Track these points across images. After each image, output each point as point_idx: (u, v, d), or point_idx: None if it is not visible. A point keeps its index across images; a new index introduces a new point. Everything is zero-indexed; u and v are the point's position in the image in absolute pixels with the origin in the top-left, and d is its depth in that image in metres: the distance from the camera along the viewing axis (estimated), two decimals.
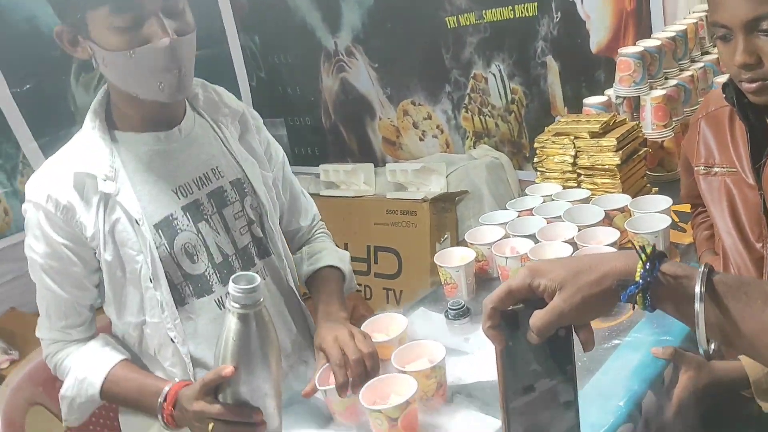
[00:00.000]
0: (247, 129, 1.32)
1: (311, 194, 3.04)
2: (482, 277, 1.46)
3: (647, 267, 0.68)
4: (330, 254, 1.41)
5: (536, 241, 1.38)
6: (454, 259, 1.42)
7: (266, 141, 1.37)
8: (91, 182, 1.12)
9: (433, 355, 1.10)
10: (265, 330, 0.92)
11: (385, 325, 1.24)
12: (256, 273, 1.25)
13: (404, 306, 1.45)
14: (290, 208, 1.43)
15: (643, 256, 0.68)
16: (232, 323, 0.91)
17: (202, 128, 1.25)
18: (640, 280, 0.67)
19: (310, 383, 1.12)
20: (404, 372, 1.06)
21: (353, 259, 2.94)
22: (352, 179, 3.03)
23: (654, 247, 0.70)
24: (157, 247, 1.14)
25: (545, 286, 0.70)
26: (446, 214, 2.72)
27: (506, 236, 1.44)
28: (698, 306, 0.66)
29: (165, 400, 1.06)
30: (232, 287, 0.90)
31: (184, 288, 1.18)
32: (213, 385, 0.95)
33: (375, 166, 3.03)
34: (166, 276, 1.15)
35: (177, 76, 1.08)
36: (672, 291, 0.68)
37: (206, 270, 1.19)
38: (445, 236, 2.72)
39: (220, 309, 1.20)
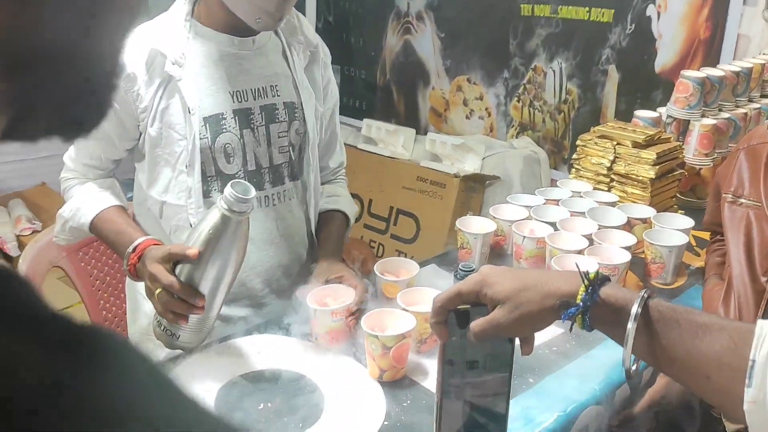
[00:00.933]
0: (315, 61, 1.38)
1: (350, 145, 3.16)
2: (496, 251, 1.53)
3: (589, 291, 0.73)
4: (347, 202, 1.50)
5: (556, 229, 1.44)
6: (474, 226, 1.49)
7: (328, 78, 1.43)
8: (160, 60, 1.21)
9: None
10: (238, 238, 1.01)
11: (396, 268, 1.32)
12: (284, 192, 1.33)
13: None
14: (325, 147, 1.49)
15: (585, 280, 0.74)
16: (214, 217, 1.00)
17: (274, 46, 1.32)
18: (581, 303, 0.73)
19: (313, 285, 1.20)
20: (406, 310, 1.14)
21: (374, 215, 3.06)
22: (391, 139, 3.09)
23: (597, 272, 0.75)
24: (200, 138, 1.23)
25: (491, 297, 0.77)
26: (473, 194, 2.78)
27: (528, 218, 1.50)
28: (630, 325, 0.71)
29: (133, 251, 1.15)
30: (228, 190, 0.98)
31: (212, 182, 1.27)
32: (176, 258, 1.04)
33: (416, 133, 3.09)
34: (202, 167, 1.24)
35: (275, 20, 1.20)
36: (609, 313, 0.73)
37: (238, 173, 1.28)
38: (468, 215, 2.78)
39: None
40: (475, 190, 2.79)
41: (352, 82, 3.46)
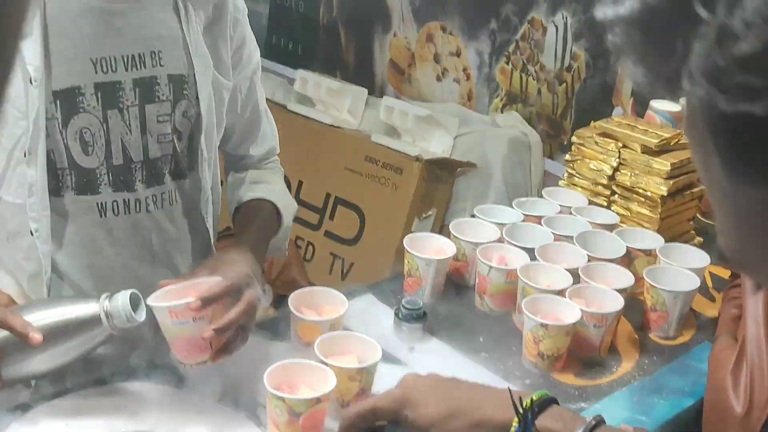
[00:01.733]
0: (221, 19, 1.39)
1: (277, 104, 3.19)
2: (455, 281, 1.61)
3: (522, 424, 0.85)
4: (279, 193, 1.53)
5: (533, 258, 1.52)
6: (428, 248, 1.56)
7: (241, 40, 1.44)
8: None
9: (366, 354, 1.24)
10: (95, 343, 1.14)
11: (318, 302, 1.38)
12: (163, 194, 1.37)
13: (349, 286, 1.59)
14: (244, 129, 1.52)
15: (519, 411, 0.85)
16: (86, 313, 1.11)
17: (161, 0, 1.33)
18: None
19: (173, 282, 1.24)
20: (326, 364, 1.19)
21: (304, 204, 3.11)
22: (334, 101, 3.14)
23: (531, 400, 0.86)
24: (47, 119, 1.24)
25: (412, 421, 0.88)
26: (439, 185, 2.85)
27: (500, 240, 1.58)
28: None
29: None
30: (122, 300, 1.11)
31: (64, 177, 1.29)
32: (10, 331, 1.11)
33: (368, 94, 3.14)
34: (49, 156, 1.26)
35: None
36: None
37: (99, 168, 1.30)
38: (429, 213, 2.86)
39: (102, 216, 1.32)
40: (441, 180, 2.86)
41: (285, 14, 3.49)
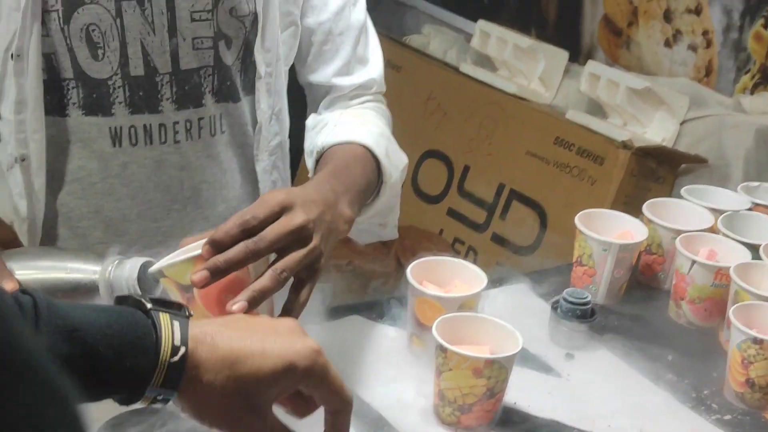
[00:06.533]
0: None
1: (447, 65, 3.22)
2: (643, 281, 1.59)
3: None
4: (374, 135, 1.40)
5: (755, 257, 1.48)
6: (609, 229, 1.54)
7: None
8: None
9: (501, 345, 1.24)
10: None
11: (446, 277, 1.39)
12: (201, 121, 1.37)
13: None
14: (323, 42, 1.46)
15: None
16: (81, 283, 1.11)
17: None
18: None
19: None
20: (445, 350, 1.20)
21: (468, 195, 3.11)
22: (522, 64, 3.14)
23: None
24: (45, 11, 1.26)
25: None
26: (653, 185, 2.78)
27: (713, 229, 1.55)
28: None
29: None
30: (125, 279, 1.09)
31: (69, 90, 1.31)
32: None
33: (569, 60, 3.13)
34: (48, 62, 1.28)
35: None
36: None
37: (112, 77, 1.32)
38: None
39: (116, 145, 1.33)
40: (657, 177, 2.80)
41: None
